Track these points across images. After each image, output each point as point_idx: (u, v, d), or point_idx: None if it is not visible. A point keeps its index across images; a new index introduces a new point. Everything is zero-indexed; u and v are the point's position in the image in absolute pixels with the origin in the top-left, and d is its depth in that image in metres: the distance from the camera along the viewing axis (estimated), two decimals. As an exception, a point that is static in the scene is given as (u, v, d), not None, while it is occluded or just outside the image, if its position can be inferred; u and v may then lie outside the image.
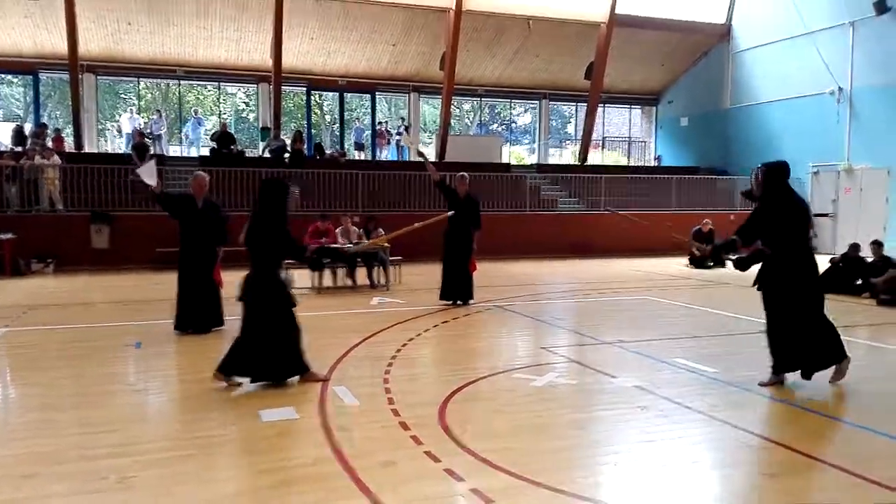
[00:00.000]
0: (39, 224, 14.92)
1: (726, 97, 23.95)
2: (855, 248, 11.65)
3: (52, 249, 14.66)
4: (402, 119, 25.15)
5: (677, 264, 16.26)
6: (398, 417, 4.75)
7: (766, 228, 5.53)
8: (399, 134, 24.75)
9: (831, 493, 3.60)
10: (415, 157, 10.67)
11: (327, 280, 11.94)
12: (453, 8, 20.09)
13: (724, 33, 23.77)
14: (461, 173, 10.33)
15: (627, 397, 5.30)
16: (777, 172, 5.55)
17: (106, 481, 3.67)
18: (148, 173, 7.47)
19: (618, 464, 3.98)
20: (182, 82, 24.02)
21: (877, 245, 11.22)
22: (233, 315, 8.19)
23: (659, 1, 23.00)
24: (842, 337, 5.62)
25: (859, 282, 11.14)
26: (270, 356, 5.47)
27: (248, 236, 5.60)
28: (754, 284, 5.75)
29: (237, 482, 3.74)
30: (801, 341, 5.46)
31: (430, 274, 11.72)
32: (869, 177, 19.06)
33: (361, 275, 12.22)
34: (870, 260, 11.28)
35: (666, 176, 21.63)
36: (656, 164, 26.59)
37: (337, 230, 12.35)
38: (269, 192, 5.66)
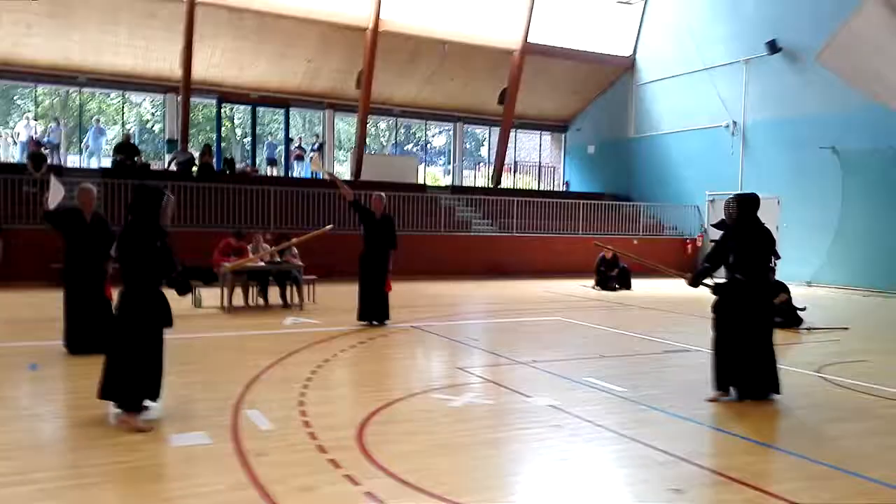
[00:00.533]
0: (-80, 236, 13.82)
1: (631, 127, 25.06)
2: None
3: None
4: (317, 136, 24.91)
5: (584, 286, 16.78)
6: (315, 441, 4.68)
7: (737, 254, 5.99)
8: (314, 151, 24.50)
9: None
10: (326, 178, 10.54)
11: (238, 299, 11.63)
12: (370, 27, 20.18)
13: (629, 66, 24.92)
14: (377, 192, 10.32)
15: (542, 416, 5.42)
16: (750, 203, 6.07)
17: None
18: (53, 191, 7.14)
19: (533, 482, 4.05)
20: (84, 90, 22.92)
21: (769, 270, 11.94)
22: None
23: (570, 32, 23.90)
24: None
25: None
26: (123, 375, 5.00)
27: (119, 248, 5.17)
28: (714, 308, 6.19)
29: (147, 511, 3.58)
30: (747, 363, 5.91)
31: (344, 294, 11.63)
32: (762, 205, 20.29)
33: (274, 295, 11.98)
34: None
35: (573, 201, 22.34)
36: (565, 189, 27.44)
37: (248, 246, 12.06)
38: (141, 201, 5.13)
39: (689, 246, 22.43)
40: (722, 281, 6.22)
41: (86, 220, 7.35)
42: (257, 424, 5.01)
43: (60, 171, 17.19)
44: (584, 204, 22.02)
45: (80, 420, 5.23)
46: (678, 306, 13.16)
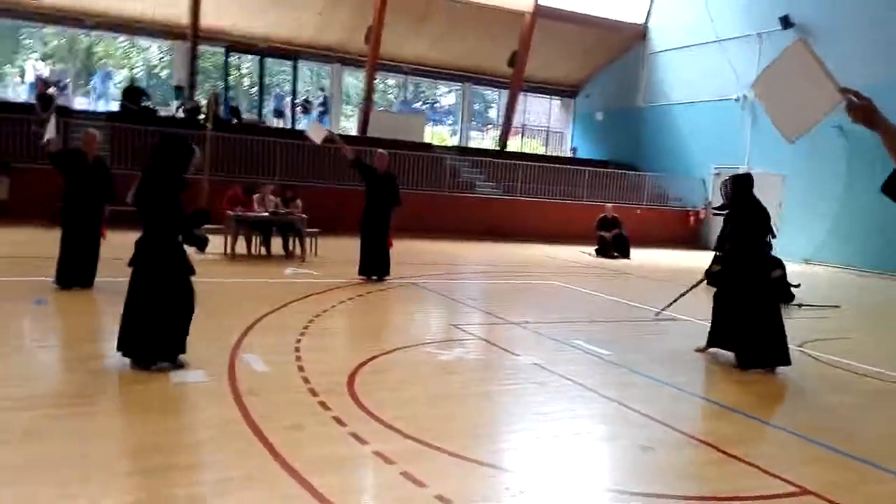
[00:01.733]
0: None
1: (640, 95, 24.92)
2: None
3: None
4: (323, 90, 24.80)
5: (584, 253, 16.93)
6: (307, 384, 4.88)
7: (737, 232, 6.30)
8: (322, 105, 24.46)
9: (699, 466, 4.01)
10: (337, 143, 10.40)
11: (241, 248, 11.81)
12: (383, -18, 19.99)
13: (641, 34, 24.68)
14: (380, 150, 10.42)
15: (527, 374, 5.62)
16: (745, 183, 6.34)
17: (11, 433, 3.65)
18: (50, 128, 7.33)
19: (513, 433, 4.27)
20: (91, 33, 22.79)
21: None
22: (106, 275, 8.08)
23: (584, -4, 23.64)
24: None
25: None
26: (147, 332, 4.89)
27: (137, 196, 5.01)
28: (709, 282, 6.47)
29: (145, 438, 3.78)
30: (747, 329, 6.15)
31: (346, 247, 11.79)
32: (766, 181, 20.25)
33: (277, 245, 12.15)
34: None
35: (579, 167, 22.35)
36: (572, 156, 27.41)
37: (254, 197, 12.19)
38: (167, 151, 5.05)
39: (693, 218, 22.51)
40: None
41: (88, 163, 7.58)
42: (253, 367, 5.22)
43: (68, 112, 17.26)
44: (589, 171, 22.04)
45: (88, 353, 5.44)
46: (675, 276, 13.33)
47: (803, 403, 5.53)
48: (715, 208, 6.97)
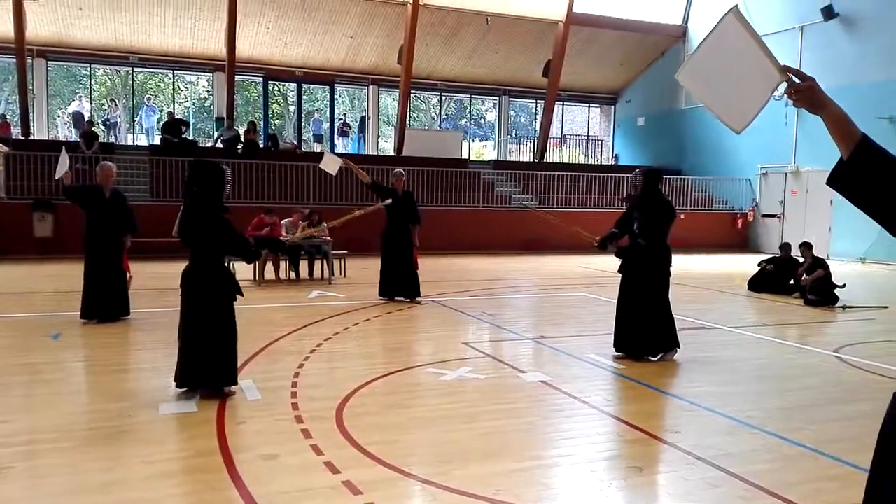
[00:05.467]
0: (-20, 212, 14.67)
1: (682, 98, 24.31)
2: (786, 248, 11.99)
3: (-6, 238, 14.44)
4: (364, 111, 25.06)
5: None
6: (295, 411, 4.81)
7: (641, 222, 6.45)
8: (360, 128, 24.73)
9: (690, 484, 3.75)
10: (353, 169, 10.16)
11: (269, 273, 11.93)
12: (411, 2, 20.10)
13: (680, 34, 24.14)
14: (397, 169, 10.40)
15: (528, 392, 5.43)
16: (655, 177, 6.52)
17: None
18: (62, 164, 7.52)
19: (495, 457, 4.08)
20: (137, 69, 23.66)
21: (806, 246, 11.52)
22: (139, 307, 8.30)
23: (617, 1, 23.26)
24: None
25: (791, 282, 11.45)
26: (209, 361, 5.00)
27: (182, 228, 5.10)
28: (619, 270, 6.65)
29: (113, 473, 3.76)
30: (641, 323, 6.41)
31: (374, 268, 11.73)
32: (815, 179, 19.53)
33: (306, 269, 12.24)
34: (801, 260, 11.58)
35: (618, 174, 21.91)
36: (614, 163, 26.92)
37: (283, 222, 12.33)
38: (202, 176, 5.08)
39: (741, 220, 21.76)
40: (624, 247, 6.67)
41: (105, 196, 7.71)
42: (246, 395, 5.18)
43: (112, 148, 17.90)
44: (629, 178, 21.54)
45: (86, 385, 5.52)
46: (712, 282, 12.85)
47: (826, 415, 5.16)
48: (623, 198, 6.97)
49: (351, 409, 4.89)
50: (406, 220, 9.93)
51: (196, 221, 5.06)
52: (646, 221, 6.43)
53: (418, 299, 9.86)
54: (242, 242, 5.25)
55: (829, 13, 18.54)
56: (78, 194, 7.81)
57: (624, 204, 6.74)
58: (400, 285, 9.90)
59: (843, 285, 10.75)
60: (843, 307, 10.05)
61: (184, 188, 5.68)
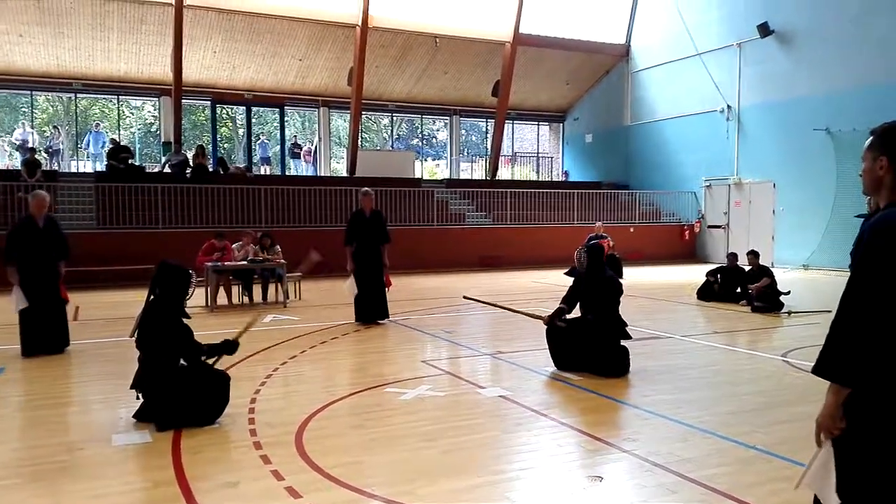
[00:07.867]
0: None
1: (627, 114, 24.93)
2: (733, 257, 12.35)
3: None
4: (315, 133, 24.97)
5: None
6: (253, 438, 4.74)
7: (587, 298, 6.68)
8: (311, 150, 24.64)
9: (648, 491, 3.81)
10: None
11: (222, 298, 11.73)
12: (359, 24, 20.20)
13: (623, 53, 24.78)
14: (364, 189, 10.29)
15: (488, 407, 5.46)
16: (597, 253, 6.86)
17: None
18: (17, 299, 7.39)
19: (461, 474, 4.08)
20: (80, 95, 23.15)
21: (753, 255, 11.87)
22: (86, 338, 8.09)
23: (563, 21, 23.79)
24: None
25: (738, 290, 11.77)
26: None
27: (142, 328, 5.06)
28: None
29: (65, 509, 3.65)
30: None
31: (331, 290, 11.67)
32: (757, 190, 20.20)
33: (260, 292, 12.07)
34: (747, 269, 11.92)
35: (569, 190, 22.27)
36: (564, 179, 27.37)
37: (234, 245, 12.15)
38: (166, 279, 5.10)
39: (687, 232, 22.31)
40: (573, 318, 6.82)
41: (38, 226, 7.50)
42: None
43: (55, 176, 17.43)
44: (579, 193, 21.95)
45: (33, 420, 5.33)
46: (663, 293, 13.12)
47: (777, 417, 5.31)
48: (566, 272, 7.18)
49: (310, 432, 4.84)
50: (377, 241, 9.81)
51: (154, 326, 5.02)
52: (594, 299, 6.62)
53: (387, 321, 9.78)
54: (196, 351, 5.14)
55: (764, 30, 19.29)
56: (18, 237, 7.51)
57: (569, 277, 6.96)
58: (376, 308, 9.74)
59: (788, 292, 11.12)
60: (789, 313, 10.37)
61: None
